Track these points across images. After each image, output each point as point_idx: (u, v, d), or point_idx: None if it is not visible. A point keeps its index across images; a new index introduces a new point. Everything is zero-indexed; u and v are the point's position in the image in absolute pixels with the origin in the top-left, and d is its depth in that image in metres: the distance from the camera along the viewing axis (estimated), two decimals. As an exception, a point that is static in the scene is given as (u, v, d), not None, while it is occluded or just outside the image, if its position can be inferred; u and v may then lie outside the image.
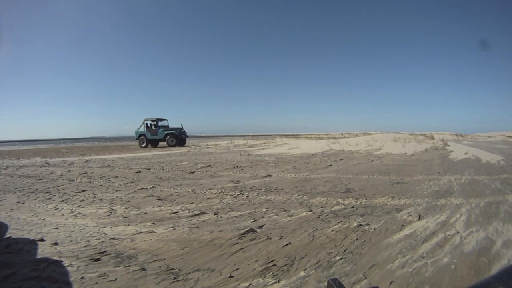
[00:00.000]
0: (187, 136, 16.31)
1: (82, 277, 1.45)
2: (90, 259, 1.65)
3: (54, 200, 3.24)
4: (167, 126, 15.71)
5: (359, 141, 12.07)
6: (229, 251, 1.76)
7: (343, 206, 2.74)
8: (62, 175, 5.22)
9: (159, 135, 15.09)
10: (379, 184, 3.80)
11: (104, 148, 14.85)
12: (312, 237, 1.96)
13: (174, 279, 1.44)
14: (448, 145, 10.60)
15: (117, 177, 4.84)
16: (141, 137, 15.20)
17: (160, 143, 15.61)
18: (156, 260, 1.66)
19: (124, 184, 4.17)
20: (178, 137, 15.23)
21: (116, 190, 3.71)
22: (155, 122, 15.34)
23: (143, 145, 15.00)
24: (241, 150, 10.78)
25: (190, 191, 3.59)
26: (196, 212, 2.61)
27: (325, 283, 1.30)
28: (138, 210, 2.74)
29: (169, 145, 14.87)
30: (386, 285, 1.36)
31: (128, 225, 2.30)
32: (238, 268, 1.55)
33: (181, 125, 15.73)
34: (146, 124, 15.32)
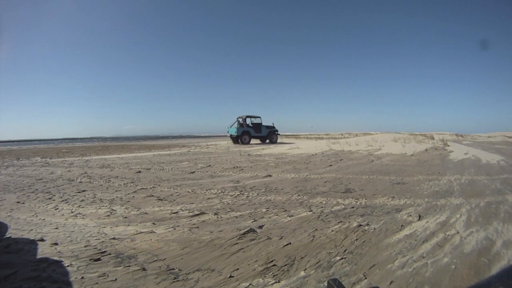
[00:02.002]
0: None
1: (82, 277, 1.45)
2: (90, 259, 1.65)
3: (54, 200, 3.24)
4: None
5: (359, 141, 12.08)
6: (229, 251, 1.76)
7: (343, 206, 2.74)
8: (62, 175, 5.22)
9: (263, 132, 15.24)
10: (379, 184, 3.80)
11: (104, 148, 14.84)
12: (312, 237, 1.96)
13: (174, 279, 1.44)
14: (448, 145, 10.61)
15: (117, 177, 4.83)
16: (244, 134, 14.77)
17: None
18: (156, 260, 1.66)
19: (124, 184, 4.17)
20: (277, 135, 15.80)
21: (116, 190, 3.71)
22: (250, 120, 15.19)
23: (246, 142, 14.54)
24: (241, 150, 10.78)
25: (190, 191, 3.59)
26: (196, 212, 2.61)
27: (325, 283, 1.30)
28: (138, 210, 2.74)
29: (271, 142, 15.18)
30: (386, 285, 1.36)
31: (128, 225, 2.30)
32: (238, 268, 1.55)
33: (273, 123, 16.05)
34: (249, 121, 15.12)
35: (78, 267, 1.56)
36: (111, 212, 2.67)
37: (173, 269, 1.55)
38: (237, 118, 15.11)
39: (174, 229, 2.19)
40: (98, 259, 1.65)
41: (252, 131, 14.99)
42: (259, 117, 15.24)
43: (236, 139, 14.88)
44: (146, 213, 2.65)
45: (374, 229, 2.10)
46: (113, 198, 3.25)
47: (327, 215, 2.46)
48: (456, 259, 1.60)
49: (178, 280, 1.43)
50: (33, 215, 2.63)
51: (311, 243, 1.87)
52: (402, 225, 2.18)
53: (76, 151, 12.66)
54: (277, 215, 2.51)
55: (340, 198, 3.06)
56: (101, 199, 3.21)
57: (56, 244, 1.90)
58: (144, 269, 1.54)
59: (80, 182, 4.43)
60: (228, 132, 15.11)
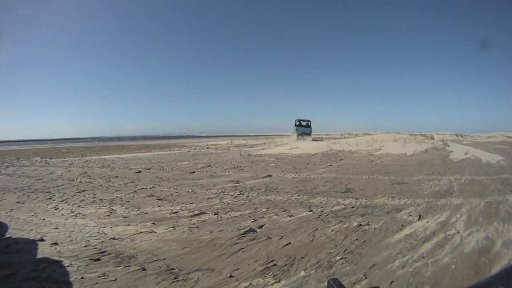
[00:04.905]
0: None
1: (82, 277, 1.45)
2: (90, 259, 1.65)
3: (54, 200, 3.24)
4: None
5: (359, 142, 12.07)
6: (229, 251, 1.76)
7: (343, 206, 2.73)
8: (62, 175, 5.22)
9: (309, 131, 20.57)
10: (379, 184, 3.80)
11: (104, 148, 14.84)
12: (312, 237, 1.96)
13: (174, 279, 1.44)
14: (448, 145, 10.60)
15: (117, 177, 4.83)
16: (310, 132, 20.06)
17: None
18: (156, 260, 1.65)
19: (124, 184, 4.17)
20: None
21: (116, 190, 3.71)
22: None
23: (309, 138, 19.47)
24: (241, 150, 10.78)
25: (190, 191, 3.59)
26: (196, 212, 2.61)
27: (325, 283, 1.30)
28: (138, 210, 2.74)
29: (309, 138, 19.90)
30: (386, 285, 1.36)
31: (128, 225, 2.30)
32: (238, 268, 1.55)
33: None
34: (308, 123, 20.41)
35: (78, 267, 1.56)
36: (111, 212, 2.67)
37: (173, 269, 1.55)
38: (299, 120, 20.03)
39: (174, 229, 2.19)
40: (98, 259, 1.65)
41: (309, 130, 20.80)
42: (310, 120, 20.59)
43: (299, 135, 19.51)
44: (146, 213, 2.65)
45: (374, 229, 2.10)
46: (113, 198, 3.25)
47: (327, 215, 2.46)
48: (456, 259, 1.59)
49: (178, 280, 1.43)
50: (33, 215, 2.63)
51: (311, 243, 1.87)
52: (402, 225, 2.17)
53: (76, 151, 12.67)
54: (277, 215, 2.51)
55: (340, 198, 3.06)
56: (101, 199, 3.21)
57: (56, 244, 1.90)
58: (144, 269, 1.54)
59: (80, 182, 4.43)
60: (296, 130, 19.82)
